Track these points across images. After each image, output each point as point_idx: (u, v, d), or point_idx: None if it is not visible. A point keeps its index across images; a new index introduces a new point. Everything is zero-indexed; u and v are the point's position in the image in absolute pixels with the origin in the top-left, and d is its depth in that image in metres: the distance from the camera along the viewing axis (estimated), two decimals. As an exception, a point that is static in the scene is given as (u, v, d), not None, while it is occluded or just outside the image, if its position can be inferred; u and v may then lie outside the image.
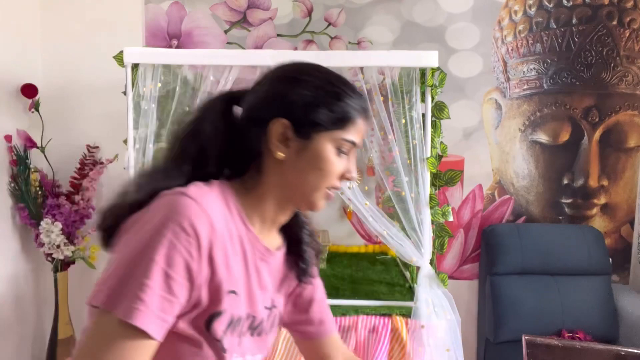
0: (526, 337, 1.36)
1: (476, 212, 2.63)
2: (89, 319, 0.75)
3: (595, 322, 2.34)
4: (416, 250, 1.90)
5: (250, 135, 0.86)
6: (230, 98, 0.90)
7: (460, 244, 2.65)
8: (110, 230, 0.81)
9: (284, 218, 0.92)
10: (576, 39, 2.52)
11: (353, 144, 0.87)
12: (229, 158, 0.87)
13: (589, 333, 2.30)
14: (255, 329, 0.89)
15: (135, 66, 1.85)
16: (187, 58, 1.90)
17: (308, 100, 0.84)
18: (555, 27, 2.52)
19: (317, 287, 1.05)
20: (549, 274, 2.41)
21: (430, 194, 1.92)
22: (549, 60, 2.54)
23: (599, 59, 2.52)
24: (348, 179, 0.89)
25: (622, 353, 1.42)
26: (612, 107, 2.55)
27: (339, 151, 0.86)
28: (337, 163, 0.86)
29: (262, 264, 0.89)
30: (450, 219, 1.96)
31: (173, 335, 0.77)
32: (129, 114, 1.84)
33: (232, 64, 1.84)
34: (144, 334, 0.71)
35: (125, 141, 1.87)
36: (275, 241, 0.93)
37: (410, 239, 1.91)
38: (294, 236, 0.97)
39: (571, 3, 2.51)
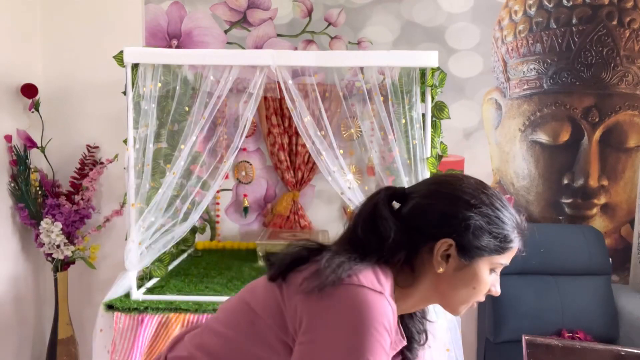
0: (526, 337, 1.36)
1: (476, 212, 2.63)
2: None
3: (595, 322, 2.34)
4: (416, 250, 1.90)
5: (412, 240, 0.92)
6: (393, 194, 0.97)
7: (460, 244, 2.64)
8: (280, 271, 0.91)
9: (417, 309, 1.01)
10: (576, 39, 2.52)
11: (505, 266, 0.95)
12: (395, 248, 0.92)
13: (589, 333, 2.30)
14: None
15: (135, 66, 1.84)
16: (187, 58, 1.89)
17: (477, 227, 0.90)
18: (555, 27, 2.52)
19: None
20: (549, 274, 2.41)
21: (430, 194, 1.91)
22: (549, 60, 2.54)
23: (599, 59, 2.52)
24: (491, 294, 0.96)
25: (622, 353, 1.42)
26: (612, 107, 2.55)
27: (492, 271, 0.94)
28: (489, 283, 0.94)
29: (393, 350, 0.96)
30: (450, 219, 1.95)
31: None
32: (129, 114, 1.84)
33: (232, 64, 1.84)
34: None
35: (125, 141, 1.87)
36: None
37: (410, 239, 1.90)
38: (405, 326, 1.03)
39: (571, 3, 2.51)
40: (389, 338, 0.82)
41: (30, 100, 2.40)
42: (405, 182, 1.89)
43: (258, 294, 0.92)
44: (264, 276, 0.95)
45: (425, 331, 1.08)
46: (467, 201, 0.92)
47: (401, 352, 1.03)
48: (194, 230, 2.53)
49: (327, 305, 0.82)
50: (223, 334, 0.93)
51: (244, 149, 2.62)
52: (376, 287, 0.84)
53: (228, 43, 2.57)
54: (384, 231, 0.91)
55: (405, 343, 0.98)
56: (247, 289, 0.97)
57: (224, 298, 1.86)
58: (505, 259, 0.94)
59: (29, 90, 2.37)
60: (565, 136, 2.58)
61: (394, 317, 0.85)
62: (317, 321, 0.82)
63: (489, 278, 0.93)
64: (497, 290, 0.96)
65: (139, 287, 1.91)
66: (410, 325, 1.05)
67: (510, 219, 0.93)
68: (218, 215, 2.65)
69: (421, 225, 0.92)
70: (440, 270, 0.91)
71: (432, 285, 0.94)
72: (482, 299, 0.95)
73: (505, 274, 2.51)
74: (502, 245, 0.92)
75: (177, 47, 2.57)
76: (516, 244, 0.94)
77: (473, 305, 0.96)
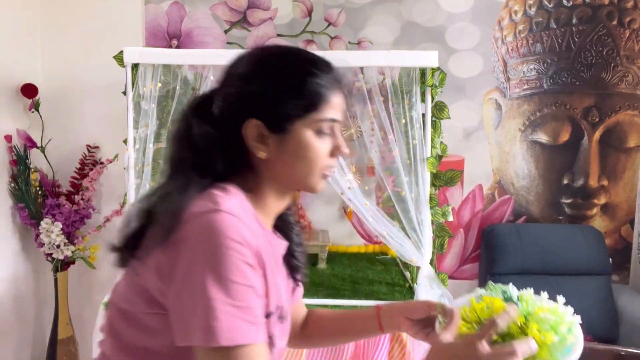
0: (526, 337, 1.35)
1: (476, 212, 2.63)
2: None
3: (595, 322, 2.34)
4: (416, 250, 1.90)
5: (230, 138, 0.84)
6: (205, 100, 0.87)
7: (460, 244, 2.65)
8: (125, 252, 0.83)
9: (283, 205, 0.93)
10: (576, 39, 2.52)
11: (332, 120, 0.85)
12: (225, 158, 0.86)
13: (589, 333, 2.30)
14: (281, 317, 0.92)
15: (135, 66, 1.85)
16: (187, 58, 1.90)
17: (271, 95, 0.82)
18: (555, 27, 2.52)
19: None
20: (549, 274, 2.41)
21: (430, 194, 1.92)
22: (549, 60, 2.54)
23: (599, 59, 2.52)
24: (339, 155, 0.88)
25: (622, 353, 1.42)
26: (612, 107, 2.55)
27: (319, 133, 0.84)
28: (320, 146, 0.85)
29: (279, 257, 0.92)
30: (450, 219, 1.96)
31: None
32: (129, 114, 1.85)
33: (232, 64, 1.84)
34: (253, 345, 0.74)
35: (125, 141, 1.87)
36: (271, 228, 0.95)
37: (410, 239, 1.91)
38: (285, 237, 0.97)
39: (571, 3, 2.51)
40: (247, 249, 0.75)
41: (30, 100, 2.40)
42: (405, 182, 1.89)
43: (120, 289, 0.85)
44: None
45: (296, 222, 1.01)
46: (255, 72, 0.83)
47: (288, 263, 0.98)
48: (194, 230, 2.53)
49: (175, 253, 0.76)
50: (121, 309, 0.86)
51: (244, 149, 2.61)
52: (209, 207, 0.76)
53: (228, 43, 2.57)
54: (195, 145, 0.83)
55: (286, 243, 0.93)
56: (113, 291, 0.89)
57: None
58: (325, 114, 0.84)
59: (29, 90, 2.38)
60: (565, 136, 2.58)
61: (245, 224, 0.77)
62: (173, 273, 0.76)
63: (317, 141, 0.84)
64: (342, 150, 0.87)
65: (139, 287, 1.91)
66: (291, 235, 0.98)
67: (311, 71, 0.83)
68: (218, 215, 2.65)
69: (227, 119, 0.84)
70: (262, 154, 0.83)
71: (272, 174, 0.86)
72: (330, 162, 0.87)
73: (506, 274, 2.53)
74: (310, 101, 0.82)
75: (177, 47, 2.57)
76: (331, 96, 0.84)
77: (326, 176, 0.88)
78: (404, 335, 1.84)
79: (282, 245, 0.93)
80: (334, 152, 0.87)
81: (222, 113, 0.85)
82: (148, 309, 0.80)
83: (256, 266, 0.77)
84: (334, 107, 0.85)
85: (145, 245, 0.80)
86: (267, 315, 0.83)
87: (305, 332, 1.12)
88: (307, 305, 1.96)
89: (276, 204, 0.90)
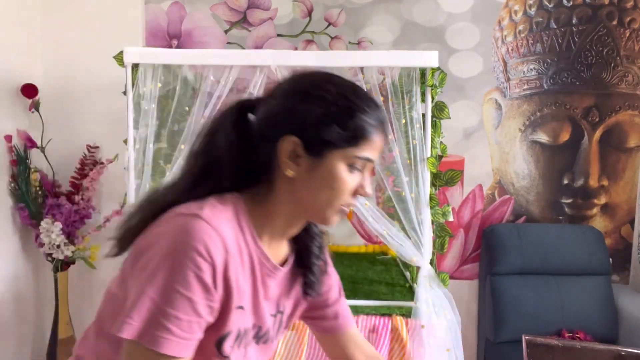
0: (526, 337, 1.36)
1: (476, 212, 2.63)
2: (122, 350, 0.77)
3: (595, 322, 2.34)
4: (416, 250, 1.90)
5: (261, 150, 0.84)
6: (244, 106, 0.87)
7: (460, 244, 2.65)
8: (123, 242, 0.84)
9: (294, 230, 0.91)
10: (576, 39, 2.52)
11: (367, 160, 0.84)
12: (243, 169, 0.85)
13: (589, 333, 2.30)
14: (260, 337, 0.90)
15: (135, 66, 1.85)
16: (187, 58, 1.90)
17: (319, 118, 0.81)
18: (555, 27, 2.52)
19: (331, 285, 1.04)
20: (549, 274, 2.41)
21: (430, 194, 1.92)
22: (549, 60, 2.54)
23: (599, 59, 2.52)
24: (362, 195, 0.86)
25: (622, 353, 1.42)
26: (612, 107, 2.55)
27: (352, 168, 0.83)
28: (349, 181, 0.83)
29: (269, 279, 0.89)
30: (451, 219, 1.96)
31: None
32: (129, 114, 1.85)
33: (232, 64, 1.84)
34: (174, 358, 0.74)
35: (125, 141, 1.87)
36: (283, 251, 0.93)
37: (410, 239, 1.91)
38: (304, 247, 0.96)
39: (571, 3, 2.51)
40: (207, 264, 0.74)
41: (30, 100, 2.40)
42: (405, 182, 1.89)
43: (115, 278, 0.88)
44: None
45: (323, 260, 0.98)
46: (306, 92, 0.82)
47: (303, 276, 0.96)
48: (194, 230, 2.53)
49: (147, 245, 0.78)
50: (98, 330, 0.88)
51: (244, 149, 2.61)
52: (191, 210, 0.77)
53: (228, 43, 2.57)
54: (216, 147, 0.83)
55: (281, 269, 0.90)
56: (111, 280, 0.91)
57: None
58: (364, 152, 0.83)
59: (29, 90, 2.37)
60: (565, 136, 2.58)
61: (221, 238, 0.77)
62: (135, 265, 0.78)
63: (347, 175, 0.83)
64: (366, 191, 0.85)
65: (139, 287, 1.91)
66: (311, 246, 0.96)
67: (359, 105, 0.82)
68: (218, 215, 2.65)
69: (265, 130, 0.83)
70: (290, 172, 0.82)
71: (292, 195, 0.84)
72: (351, 201, 0.85)
73: (506, 274, 2.52)
74: (353, 135, 0.81)
75: (177, 47, 2.56)
76: (374, 136, 0.83)
77: (343, 211, 0.86)
78: (404, 335, 1.84)
79: (276, 270, 0.89)
80: (358, 190, 0.85)
81: (261, 122, 0.84)
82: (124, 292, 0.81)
83: (212, 285, 0.76)
84: (373, 147, 0.85)
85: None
86: (222, 338, 0.82)
87: None
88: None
89: (283, 226, 0.88)
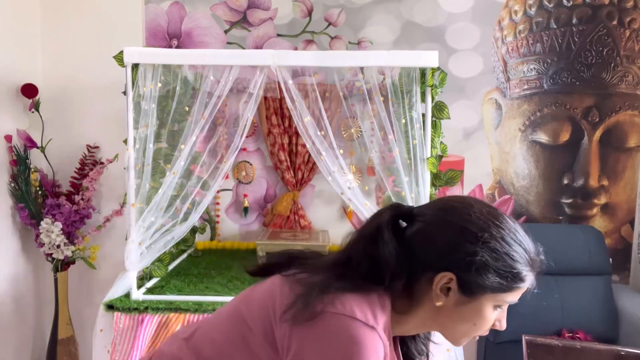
0: (526, 337, 1.36)
1: (476, 212, 2.63)
2: None
3: (595, 322, 2.34)
4: (416, 250, 1.90)
5: (420, 274, 0.87)
6: (405, 215, 0.91)
7: (460, 244, 2.64)
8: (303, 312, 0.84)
9: (416, 332, 0.97)
10: (576, 39, 2.52)
11: (513, 303, 0.89)
12: (396, 279, 0.87)
13: (589, 333, 2.30)
14: None
15: (135, 66, 1.84)
16: (187, 58, 1.89)
17: (482, 263, 0.83)
18: (555, 27, 2.52)
19: None
20: (549, 274, 2.39)
21: (430, 194, 1.92)
22: (549, 60, 2.54)
23: (599, 59, 2.52)
24: (495, 328, 0.90)
25: (622, 353, 1.42)
26: (612, 107, 2.55)
27: (497, 308, 0.88)
28: (492, 320, 0.88)
29: None
30: (451, 219, 1.95)
31: None
32: (129, 114, 1.84)
33: (232, 64, 1.84)
34: None
35: (125, 141, 1.87)
36: None
37: (410, 239, 1.90)
38: (409, 350, 1.01)
39: (571, 3, 2.51)
40: None
41: (30, 100, 2.40)
42: (405, 182, 1.89)
43: (253, 308, 0.89)
44: (260, 284, 0.92)
45: (426, 352, 1.04)
46: (473, 234, 0.84)
47: None
48: (194, 230, 2.53)
49: (315, 334, 0.79)
50: (215, 341, 0.91)
51: (244, 149, 2.62)
52: (369, 320, 0.80)
53: (228, 43, 2.57)
54: (383, 256, 0.85)
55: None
56: (242, 299, 0.94)
57: (224, 298, 1.86)
58: (512, 297, 0.87)
59: (29, 90, 2.37)
60: (565, 136, 2.58)
61: (386, 349, 0.82)
62: (305, 349, 0.79)
63: (492, 315, 0.87)
64: (502, 326, 0.90)
65: (139, 287, 1.91)
66: (411, 346, 1.02)
67: (522, 255, 0.85)
68: (218, 215, 2.65)
69: (423, 253, 0.87)
70: (439, 303, 0.86)
71: (431, 315, 0.89)
72: (485, 333, 0.90)
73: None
74: (509, 284, 0.85)
75: (177, 47, 2.56)
76: (526, 283, 0.87)
77: (475, 337, 0.91)
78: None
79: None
80: (494, 324, 0.90)
81: (422, 246, 0.87)
82: (269, 348, 0.84)
83: None
84: (522, 292, 0.88)
85: (284, 296, 0.85)
86: None
87: None
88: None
89: (410, 332, 0.94)
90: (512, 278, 0.84)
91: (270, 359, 0.84)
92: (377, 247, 0.86)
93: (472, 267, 0.83)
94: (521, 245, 0.85)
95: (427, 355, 1.04)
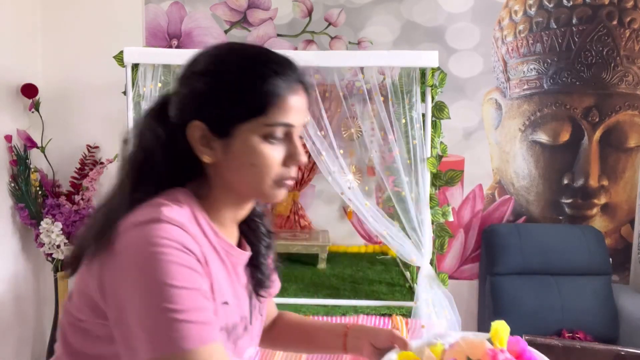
0: (526, 337, 1.36)
1: (476, 212, 2.63)
2: None
3: (595, 322, 2.34)
4: (416, 250, 1.90)
5: (179, 141, 0.79)
6: (164, 101, 0.83)
7: (460, 244, 2.65)
8: (77, 264, 0.79)
9: (243, 213, 0.88)
10: (576, 39, 2.52)
11: (286, 125, 0.78)
12: (179, 163, 0.81)
13: (589, 333, 2.30)
14: (246, 328, 0.89)
15: (135, 66, 1.85)
16: (187, 58, 1.89)
17: (215, 96, 0.76)
18: (555, 27, 2.52)
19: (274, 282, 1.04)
20: (549, 274, 2.41)
21: (430, 194, 1.92)
22: (549, 60, 2.54)
23: (599, 59, 2.52)
24: (295, 164, 0.81)
25: (622, 353, 1.43)
26: (612, 107, 2.55)
27: (269, 138, 0.78)
28: (269, 153, 0.78)
29: (238, 267, 0.88)
30: (451, 219, 1.96)
31: None
32: (129, 114, 1.85)
33: (232, 64, 1.84)
34: (204, 347, 0.69)
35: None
36: (235, 235, 0.90)
37: (410, 239, 1.91)
38: (253, 247, 0.93)
39: (571, 3, 2.51)
40: (188, 255, 0.71)
41: (30, 100, 2.40)
42: (405, 182, 1.89)
43: (74, 299, 0.80)
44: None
45: (269, 233, 0.96)
46: (203, 72, 0.78)
47: (253, 276, 0.93)
48: (194, 230, 2.53)
49: (113, 267, 0.72)
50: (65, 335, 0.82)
51: (244, 149, 2.61)
52: (151, 216, 0.72)
53: (228, 43, 2.57)
54: (145, 148, 0.79)
55: (247, 253, 0.88)
56: (66, 300, 0.85)
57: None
58: (277, 118, 0.77)
59: (29, 90, 2.37)
60: (565, 136, 2.58)
61: (189, 234, 0.73)
62: (114, 287, 0.72)
63: (266, 147, 0.77)
64: (299, 159, 0.80)
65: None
66: (259, 246, 0.94)
67: (263, 72, 0.76)
68: (218, 215, 2.65)
69: (175, 120, 0.79)
70: (207, 158, 0.78)
71: (221, 180, 0.81)
72: (287, 173, 0.81)
73: (506, 274, 2.52)
74: (256, 104, 0.76)
75: (177, 47, 2.56)
76: (285, 98, 0.77)
77: (286, 185, 0.81)
78: (405, 335, 1.83)
79: (243, 255, 0.88)
80: (287, 160, 0.80)
81: (174, 114, 0.80)
82: (95, 318, 0.76)
83: (202, 273, 0.73)
84: (289, 110, 0.78)
85: (87, 254, 0.76)
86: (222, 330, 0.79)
87: (271, 334, 1.08)
88: (306, 306, 1.96)
89: (231, 212, 0.85)
90: (253, 98, 0.76)
91: (103, 330, 0.75)
92: (142, 142, 0.80)
93: (208, 103, 0.76)
94: (257, 62, 0.78)
95: (270, 236, 0.96)
